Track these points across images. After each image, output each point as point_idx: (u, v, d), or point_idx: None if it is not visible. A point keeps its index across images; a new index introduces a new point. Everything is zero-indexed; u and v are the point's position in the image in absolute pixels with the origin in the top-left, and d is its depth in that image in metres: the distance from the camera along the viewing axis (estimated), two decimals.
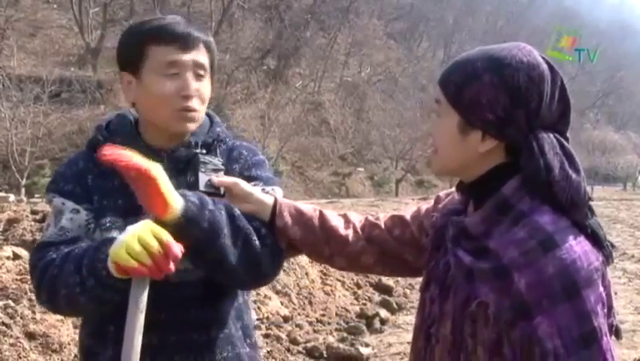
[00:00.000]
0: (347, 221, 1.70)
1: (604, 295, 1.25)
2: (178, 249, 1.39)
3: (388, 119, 41.83)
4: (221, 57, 35.57)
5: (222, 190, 1.65)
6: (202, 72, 1.66)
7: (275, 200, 1.68)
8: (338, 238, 1.66)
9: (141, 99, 1.67)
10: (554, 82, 1.33)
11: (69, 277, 1.50)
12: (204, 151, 1.71)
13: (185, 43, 1.62)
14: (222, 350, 1.71)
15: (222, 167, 1.70)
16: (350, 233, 1.67)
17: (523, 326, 1.22)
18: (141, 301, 1.39)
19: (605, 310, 1.26)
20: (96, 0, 35.06)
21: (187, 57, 1.63)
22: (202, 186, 1.63)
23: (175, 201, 1.46)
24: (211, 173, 1.66)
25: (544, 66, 1.33)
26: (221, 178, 1.66)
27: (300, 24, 40.43)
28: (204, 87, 1.67)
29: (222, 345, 1.71)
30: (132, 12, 34.93)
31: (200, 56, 1.66)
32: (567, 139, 1.35)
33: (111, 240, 1.45)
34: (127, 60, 1.67)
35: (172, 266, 1.39)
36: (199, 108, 1.67)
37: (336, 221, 1.68)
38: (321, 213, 1.70)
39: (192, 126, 1.67)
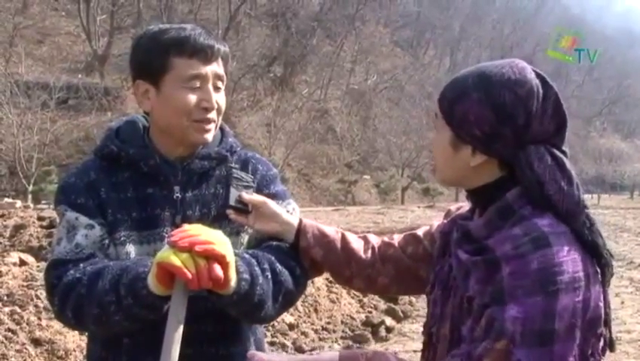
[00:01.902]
0: (366, 243, 1.73)
1: (580, 306, 1.25)
2: (220, 271, 1.40)
3: (394, 127, 41.86)
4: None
5: (250, 207, 1.67)
6: (220, 84, 1.66)
7: (300, 221, 1.71)
8: (358, 260, 1.69)
9: (160, 109, 1.65)
10: (547, 97, 1.35)
11: (103, 296, 1.47)
12: (237, 166, 1.72)
13: (207, 55, 1.62)
14: None
15: (253, 184, 1.71)
16: (369, 255, 1.71)
17: (494, 309, 1.25)
18: (180, 313, 1.40)
19: (579, 321, 1.25)
20: (103, 7, 35.27)
21: (209, 69, 1.62)
22: (231, 201, 1.65)
23: (233, 270, 1.45)
24: (242, 189, 1.68)
25: (534, 82, 1.35)
26: (251, 196, 1.68)
27: (306, 31, 40.57)
28: (222, 98, 1.67)
29: (238, 360, 1.70)
30: (140, 19, 35.12)
31: (220, 67, 1.65)
32: (564, 152, 1.37)
33: (148, 259, 1.48)
34: (147, 70, 1.64)
35: (209, 283, 1.40)
36: (217, 119, 1.67)
37: (357, 243, 1.72)
38: (343, 235, 1.73)
39: (209, 136, 1.66)
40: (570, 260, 1.25)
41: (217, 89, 1.65)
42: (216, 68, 1.64)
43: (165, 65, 1.61)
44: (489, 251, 1.32)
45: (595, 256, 1.31)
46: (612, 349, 1.35)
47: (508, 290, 1.25)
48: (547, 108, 1.35)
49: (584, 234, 1.30)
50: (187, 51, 1.60)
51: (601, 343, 1.32)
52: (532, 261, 1.24)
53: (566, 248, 1.26)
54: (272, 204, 1.68)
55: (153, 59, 1.62)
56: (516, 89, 1.33)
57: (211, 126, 1.65)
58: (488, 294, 1.28)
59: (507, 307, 1.24)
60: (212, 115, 1.64)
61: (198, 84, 1.61)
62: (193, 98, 1.61)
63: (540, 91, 1.35)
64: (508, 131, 1.33)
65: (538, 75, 1.37)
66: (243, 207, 1.66)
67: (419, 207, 27.88)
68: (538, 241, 1.26)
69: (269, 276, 1.56)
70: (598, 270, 1.32)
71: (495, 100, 1.33)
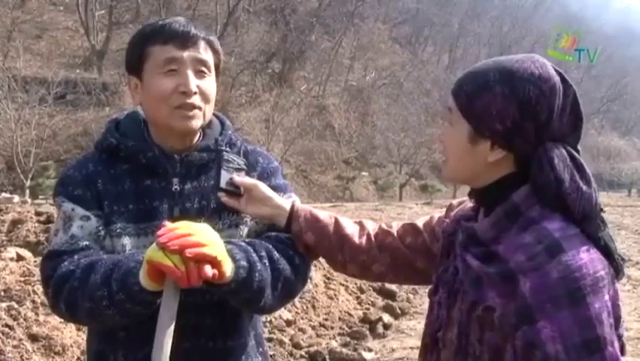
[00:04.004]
0: (362, 229, 1.72)
1: (609, 304, 1.24)
2: (210, 271, 1.39)
3: (392, 124, 41.80)
4: (226, 60, 35.43)
5: (242, 190, 1.65)
6: (203, 69, 1.64)
7: (293, 205, 1.70)
8: (352, 246, 1.68)
9: (145, 100, 1.65)
10: (566, 95, 1.34)
11: (95, 291, 1.47)
12: (228, 149, 1.71)
13: (183, 40, 1.60)
14: (237, 359, 1.70)
15: (244, 167, 1.70)
16: (364, 241, 1.69)
17: (526, 330, 1.23)
18: (172, 309, 1.40)
19: (612, 321, 1.24)
20: (101, 2, 35.14)
21: (186, 54, 1.60)
22: (223, 184, 1.63)
23: (227, 266, 1.45)
24: (234, 172, 1.66)
25: (556, 79, 1.34)
26: (243, 178, 1.67)
27: (305, 28, 40.47)
28: (207, 85, 1.64)
29: (238, 354, 1.70)
30: (138, 14, 35.04)
31: (201, 53, 1.63)
32: (578, 151, 1.36)
33: (140, 253, 1.47)
34: (130, 63, 1.66)
35: (199, 282, 1.39)
36: (202, 106, 1.64)
37: (351, 229, 1.70)
38: (336, 220, 1.72)
39: (195, 123, 1.64)
40: (588, 261, 1.23)
41: (199, 73, 1.62)
42: (196, 53, 1.62)
43: (143, 54, 1.62)
44: (502, 261, 1.29)
45: (608, 258, 1.29)
46: (623, 352, 1.33)
47: (535, 306, 1.22)
48: (566, 106, 1.33)
49: (599, 238, 1.28)
50: (162, 38, 1.60)
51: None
52: (551, 271, 1.22)
53: (581, 250, 1.24)
54: (263, 187, 1.67)
55: (134, 51, 1.64)
56: (540, 84, 1.31)
57: (195, 112, 1.62)
58: (513, 313, 1.25)
59: (538, 325, 1.21)
60: (194, 100, 1.61)
61: (175, 69, 1.60)
62: (169, 83, 1.59)
63: (561, 88, 1.33)
64: (530, 126, 1.31)
65: (557, 72, 1.35)
66: (235, 190, 1.64)
67: (416, 203, 27.84)
68: (552, 248, 1.24)
69: (267, 263, 1.55)
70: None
71: (520, 95, 1.31)
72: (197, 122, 1.64)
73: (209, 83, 1.65)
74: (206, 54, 1.65)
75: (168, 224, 1.43)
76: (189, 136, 1.68)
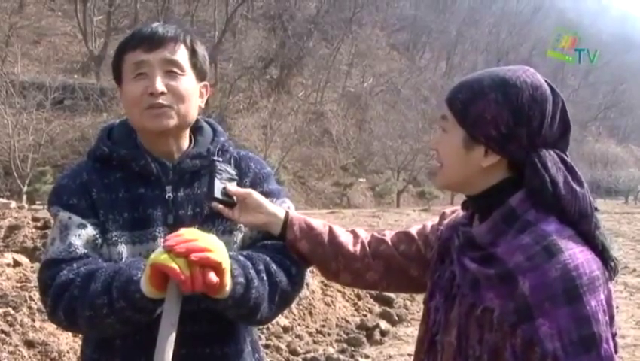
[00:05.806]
0: (356, 237, 1.73)
1: (604, 303, 1.28)
2: (215, 278, 1.39)
3: (390, 130, 41.82)
4: (224, 66, 35.69)
5: (235, 199, 1.66)
6: (174, 69, 1.63)
7: (287, 213, 1.70)
8: (346, 254, 1.69)
9: (124, 107, 1.67)
10: (555, 103, 1.38)
11: (95, 299, 1.46)
12: (220, 159, 1.70)
13: (149, 43, 1.61)
14: None
15: (236, 177, 1.70)
16: (358, 249, 1.70)
17: (525, 328, 1.26)
18: (173, 316, 1.40)
19: (607, 319, 1.28)
20: (100, 8, 35.21)
21: (152, 56, 1.61)
22: (217, 193, 1.63)
23: (229, 276, 1.45)
24: (226, 182, 1.66)
25: (546, 87, 1.38)
26: (236, 188, 1.67)
27: (303, 34, 40.54)
28: (179, 84, 1.63)
29: (234, 360, 1.70)
30: (136, 20, 35.04)
31: (170, 53, 1.63)
32: (567, 157, 1.40)
33: (141, 261, 1.47)
34: (114, 74, 1.69)
35: (203, 288, 1.40)
36: (174, 105, 1.62)
37: (345, 237, 1.71)
38: (330, 228, 1.72)
39: (167, 122, 1.62)
40: (584, 261, 1.27)
41: (170, 74, 1.62)
42: (164, 54, 1.62)
43: (120, 63, 1.65)
44: (500, 263, 1.32)
45: (602, 257, 1.33)
46: (616, 351, 1.37)
47: (534, 305, 1.25)
48: (555, 113, 1.38)
49: (595, 236, 1.32)
50: (133, 44, 1.62)
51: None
52: (550, 270, 1.25)
53: (577, 250, 1.28)
54: (257, 195, 1.67)
55: (114, 62, 1.67)
56: (532, 91, 1.36)
57: (164, 111, 1.61)
58: (513, 312, 1.28)
59: (537, 322, 1.24)
60: (162, 100, 1.60)
61: (144, 72, 1.60)
62: (139, 86, 1.60)
63: (551, 95, 1.38)
64: (523, 132, 1.35)
65: (546, 82, 1.40)
66: (229, 200, 1.65)
67: (414, 210, 27.87)
68: (550, 249, 1.27)
69: (265, 278, 1.55)
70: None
71: (514, 101, 1.35)
72: (170, 121, 1.63)
73: (182, 83, 1.64)
74: (177, 54, 1.64)
75: (180, 230, 1.44)
76: (170, 137, 1.67)
